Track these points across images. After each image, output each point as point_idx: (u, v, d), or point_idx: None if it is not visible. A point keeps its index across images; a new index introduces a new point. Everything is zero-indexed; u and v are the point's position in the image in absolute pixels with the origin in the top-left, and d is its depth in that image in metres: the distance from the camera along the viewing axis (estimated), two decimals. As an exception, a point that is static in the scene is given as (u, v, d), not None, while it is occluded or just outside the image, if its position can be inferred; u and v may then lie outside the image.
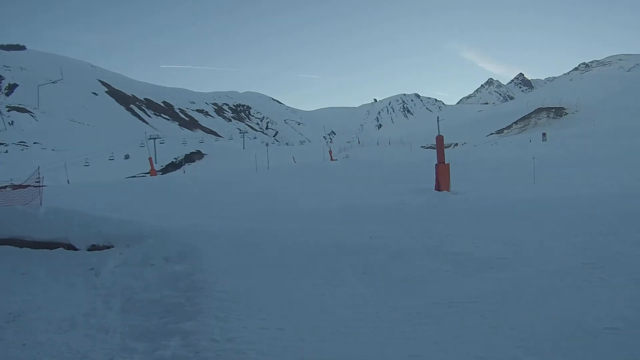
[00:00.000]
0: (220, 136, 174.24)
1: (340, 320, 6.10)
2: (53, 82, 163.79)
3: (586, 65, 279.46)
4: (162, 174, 66.55)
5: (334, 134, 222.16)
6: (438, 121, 27.41)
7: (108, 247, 10.67)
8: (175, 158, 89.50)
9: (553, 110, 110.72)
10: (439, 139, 24.01)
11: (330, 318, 6.20)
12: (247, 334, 5.67)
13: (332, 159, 63.23)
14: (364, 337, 5.59)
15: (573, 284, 7.16)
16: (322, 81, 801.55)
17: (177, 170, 77.91)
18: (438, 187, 21.94)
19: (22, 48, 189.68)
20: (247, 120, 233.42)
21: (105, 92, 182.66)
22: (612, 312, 5.90)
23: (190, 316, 6.33)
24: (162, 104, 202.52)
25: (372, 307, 6.56)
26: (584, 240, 10.13)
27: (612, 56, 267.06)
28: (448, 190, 21.82)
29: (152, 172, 51.24)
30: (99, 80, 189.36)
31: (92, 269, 9.46)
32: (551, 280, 7.38)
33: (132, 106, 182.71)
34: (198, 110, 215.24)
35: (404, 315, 6.23)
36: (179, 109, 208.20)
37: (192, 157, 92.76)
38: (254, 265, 8.74)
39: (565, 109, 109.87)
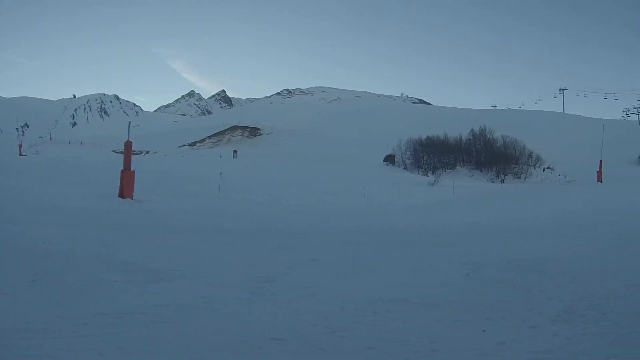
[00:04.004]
0: None
1: (6, 332, 5.75)
2: None
3: (289, 91, 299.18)
4: None
5: (28, 126, 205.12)
6: (129, 126, 27.50)
7: None
8: None
9: (248, 129, 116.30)
10: (127, 144, 24.06)
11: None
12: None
13: (21, 154, 61.59)
14: (32, 349, 5.35)
15: (243, 296, 7.63)
16: (26, 66, 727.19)
17: None
18: (122, 194, 21.85)
19: None
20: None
21: None
22: (277, 323, 6.41)
23: None
24: None
25: (41, 317, 6.28)
26: (259, 255, 10.89)
27: (316, 87, 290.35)
28: (131, 197, 21.91)
29: None
30: None
31: None
32: (222, 293, 7.77)
33: None
34: None
35: (70, 325, 6.06)
36: None
37: None
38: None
39: (260, 130, 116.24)
